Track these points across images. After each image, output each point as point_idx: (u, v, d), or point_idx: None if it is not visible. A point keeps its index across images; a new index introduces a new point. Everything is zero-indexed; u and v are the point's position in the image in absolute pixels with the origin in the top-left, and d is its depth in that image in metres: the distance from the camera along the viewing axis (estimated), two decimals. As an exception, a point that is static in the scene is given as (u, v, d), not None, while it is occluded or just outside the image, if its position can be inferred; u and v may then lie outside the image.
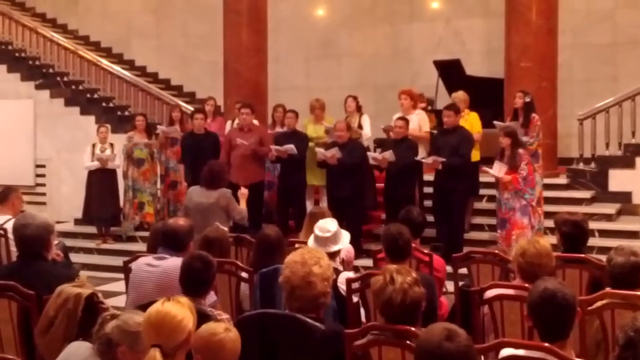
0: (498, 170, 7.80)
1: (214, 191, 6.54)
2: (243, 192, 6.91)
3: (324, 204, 8.61)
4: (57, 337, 3.18)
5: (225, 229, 5.63)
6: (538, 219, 8.01)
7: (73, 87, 12.26)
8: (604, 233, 8.39)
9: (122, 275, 5.27)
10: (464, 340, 2.40)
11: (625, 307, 3.54)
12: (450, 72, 10.93)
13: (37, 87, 12.20)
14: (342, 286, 4.31)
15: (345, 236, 4.71)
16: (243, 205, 6.77)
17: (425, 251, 5.13)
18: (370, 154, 8.07)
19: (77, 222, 10.30)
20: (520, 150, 7.77)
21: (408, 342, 3.00)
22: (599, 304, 3.63)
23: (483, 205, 8.95)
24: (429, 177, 8.55)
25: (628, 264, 3.70)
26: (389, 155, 7.91)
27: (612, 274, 3.76)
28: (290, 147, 8.51)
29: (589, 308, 3.63)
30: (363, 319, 4.33)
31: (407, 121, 8.41)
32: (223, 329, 2.77)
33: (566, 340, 2.89)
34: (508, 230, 7.74)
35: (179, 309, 2.80)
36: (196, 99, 13.06)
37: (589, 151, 9.78)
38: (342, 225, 4.84)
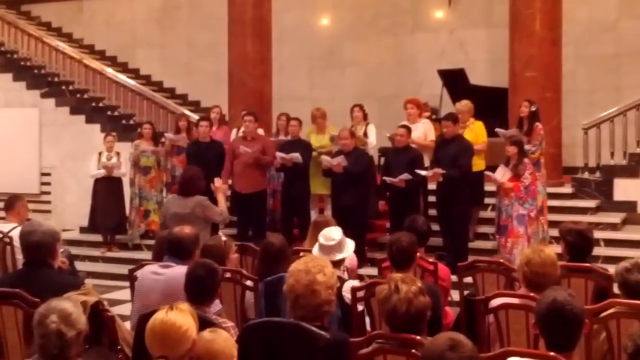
0: (502, 174, 7.80)
1: (189, 200, 6.38)
2: (217, 185, 6.64)
3: (328, 212, 8.60)
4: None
5: (221, 235, 5.33)
6: (541, 229, 8.00)
7: (78, 95, 12.31)
8: (609, 242, 8.41)
9: (127, 284, 5.26)
10: (467, 352, 2.36)
11: (631, 316, 3.53)
12: (455, 82, 10.92)
13: (43, 96, 12.25)
14: (347, 295, 4.29)
15: (350, 245, 4.69)
16: (221, 198, 6.55)
17: (430, 260, 5.11)
18: (387, 178, 8.06)
19: (83, 230, 10.31)
20: (526, 160, 7.78)
21: (413, 350, 3.00)
22: (605, 313, 3.62)
23: (488, 214, 8.93)
24: (432, 186, 8.54)
25: None
26: (404, 176, 7.91)
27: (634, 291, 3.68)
28: (296, 156, 8.51)
29: (595, 318, 3.62)
30: (368, 327, 4.32)
31: (409, 129, 8.35)
32: (210, 336, 2.82)
33: (572, 351, 2.87)
34: (506, 237, 7.75)
35: (183, 318, 2.80)
36: (201, 107, 13.09)
37: (593, 160, 9.78)
38: (346, 233, 4.82)
